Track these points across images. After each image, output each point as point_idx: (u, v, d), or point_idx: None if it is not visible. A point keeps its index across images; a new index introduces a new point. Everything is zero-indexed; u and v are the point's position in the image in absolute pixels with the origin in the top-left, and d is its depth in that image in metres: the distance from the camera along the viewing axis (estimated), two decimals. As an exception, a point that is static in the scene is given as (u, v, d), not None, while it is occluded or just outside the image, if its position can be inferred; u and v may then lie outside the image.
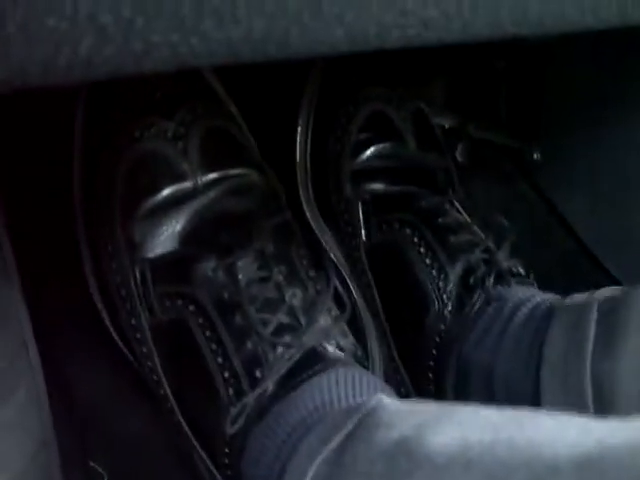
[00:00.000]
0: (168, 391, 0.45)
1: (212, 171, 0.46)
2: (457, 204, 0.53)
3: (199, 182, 0.46)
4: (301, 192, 0.55)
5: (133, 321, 0.46)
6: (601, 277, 0.61)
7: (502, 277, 0.49)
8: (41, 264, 0.52)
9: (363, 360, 0.46)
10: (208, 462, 0.44)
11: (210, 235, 0.45)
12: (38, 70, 0.23)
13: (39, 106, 0.53)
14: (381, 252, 0.52)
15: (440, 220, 0.51)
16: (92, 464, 0.48)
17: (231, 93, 0.51)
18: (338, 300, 0.47)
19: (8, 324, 0.43)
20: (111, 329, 0.48)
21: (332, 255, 0.54)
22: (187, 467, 0.46)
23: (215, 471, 0.44)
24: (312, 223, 0.54)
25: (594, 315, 0.42)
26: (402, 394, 0.52)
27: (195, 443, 0.44)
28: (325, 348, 0.43)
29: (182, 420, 0.45)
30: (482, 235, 0.51)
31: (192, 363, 0.43)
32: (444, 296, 0.49)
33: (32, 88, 0.24)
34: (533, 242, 0.62)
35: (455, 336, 0.48)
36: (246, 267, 0.44)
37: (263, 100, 0.59)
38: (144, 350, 0.45)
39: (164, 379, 0.45)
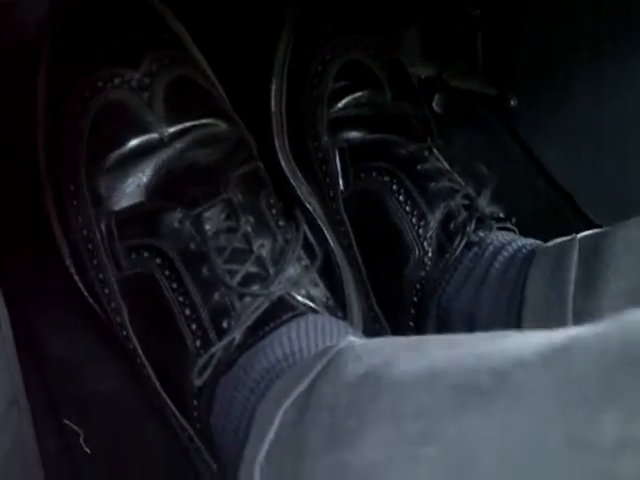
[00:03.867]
0: (137, 346, 0.45)
1: (178, 122, 0.46)
2: (436, 152, 0.52)
3: (165, 133, 0.45)
4: (276, 142, 0.54)
5: (101, 276, 0.45)
6: (581, 223, 0.61)
7: (483, 222, 0.48)
8: (6, 219, 0.50)
9: (336, 310, 0.45)
10: (179, 416, 0.44)
11: (177, 187, 0.44)
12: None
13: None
14: (359, 201, 0.51)
15: (419, 167, 0.50)
16: (66, 422, 0.47)
17: (203, 42, 0.50)
18: (310, 249, 0.46)
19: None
20: (80, 285, 0.47)
21: (308, 205, 0.52)
22: (161, 421, 0.45)
23: (186, 424, 0.43)
24: (287, 173, 0.53)
25: (575, 256, 0.42)
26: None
27: (165, 397, 0.44)
28: (294, 297, 0.42)
29: (152, 374, 0.44)
30: (462, 182, 0.51)
31: (159, 316, 0.43)
32: (424, 243, 0.48)
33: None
34: (512, 189, 0.61)
35: (436, 283, 0.48)
36: (213, 218, 0.43)
37: (237, 48, 0.57)
38: (113, 305, 0.45)
39: (133, 334, 0.45)
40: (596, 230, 0.44)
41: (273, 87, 0.53)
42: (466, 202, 0.49)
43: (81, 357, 0.49)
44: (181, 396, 0.43)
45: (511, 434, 0.20)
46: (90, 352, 0.49)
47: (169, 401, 0.44)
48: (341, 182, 0.51)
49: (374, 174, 0.50)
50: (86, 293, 0.47)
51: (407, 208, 0.49)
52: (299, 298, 0.43)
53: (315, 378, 0.31)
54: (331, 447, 0.26)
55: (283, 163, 0.53)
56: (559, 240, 0.45)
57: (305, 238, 0.46)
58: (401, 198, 0.49)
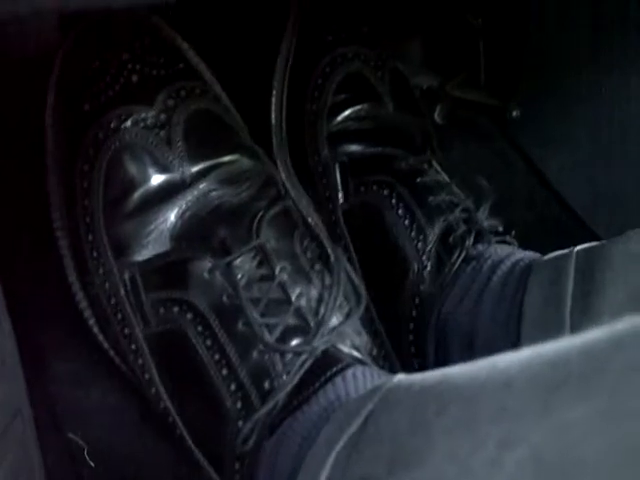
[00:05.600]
0: (169, 404, 0.42)
1: (200, 160, 0.43)
2: (436, 165, 0.53)
3: (187, 173, 0.42)
4: (277, 155, 0.53)
5: (126, 331, 0.43)
6: (582, 235, 0.61)
7: (482, 236, 0.49)
8: (20, 267, 0.49)
9: (379, 359, 0.44)
10: (216, 478, 0.41)
11: (204, 232, 0.42)
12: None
13: (6, 100, 0.50)
14: (359, 214, 0.51)
15: (418, 180, 0.50)
16: (71, 435, 0.47)
17: (202, 57, 0.49)
18: (351, 291, 0.44)
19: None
20: (100, 337, 0.45)
21: (309, 219, 0.52)
22: (165, 438, 0.45)
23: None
24: (288, 186, 0.53)
25: (572, 270, 0.42)
26: (382, 355, 0.51)
27: (201, 458, 0.42)
28: (339, 349, 0.40)
29: (186, 435, 0.42)
30: (462, 195, 0.51)
31: (194, 375, 0.41)
32: (423, 257, 0.48)
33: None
34: (513, 201, 0.62)
35: (434, 297, 0.48)
36: (245, 266, 0.41)
37: (236, 61, 0.57)
38: (140, 362, 0.43)
39: (164, 393, 0.42)
40: (593, 243, 0.44)
41: (273, 99, 0.53)
42: (465, 216, 0.49)
43: (84, 371, 0.49)
44: (220, 459, 0.40)
45: (621, 418, 0.19)
46: (94, 366, 0.48)
47: (205, 463, 0.41)
48: (341, 195, 0.51)
49: (374, 187, 0.50)
50: (107, 346, 0.45)
51: (406, 222, 0.49)
52: (344, 349, 0.40)
53: (368, 415, 0.29)
54: (395, 472, 0.24)
55: (284, 176, 0.52)
56: (556, 253, 0.45)
57: (347, 280, 0.43)
58: (400, 212, 0.49)
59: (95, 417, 0.48)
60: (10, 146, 0.51)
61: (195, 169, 0.43)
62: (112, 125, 0.42)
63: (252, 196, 0.44)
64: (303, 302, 0.41)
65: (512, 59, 0.66)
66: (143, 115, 0.42)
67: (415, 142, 0.53)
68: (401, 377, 0.31)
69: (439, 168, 0.52)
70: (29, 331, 0.49)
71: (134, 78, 0.43)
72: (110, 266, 0.42)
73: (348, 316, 0.42)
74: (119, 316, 0.43)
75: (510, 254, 0.47)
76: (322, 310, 0.41)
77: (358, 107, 0.52)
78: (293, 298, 0.41)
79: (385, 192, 0.50)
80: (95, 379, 0.49)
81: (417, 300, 0.48)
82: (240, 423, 0.39)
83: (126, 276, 0.42)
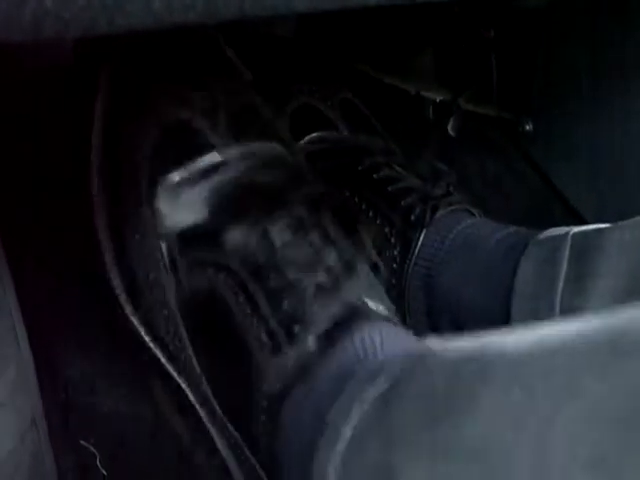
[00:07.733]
0: (197, 370, 0.43)
1: (242, 144, 0.45)
2: (395, 166, 0.54)
3: (229, 155, 0.45)
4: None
5: (159, 296, 0.44)
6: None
7: (438, 208, 0.50)
8: (33, 272, 0.50)
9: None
10: (244, 447, 0.42)
11: (241, 205, 0.44)
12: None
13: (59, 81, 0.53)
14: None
15: (375, 176, 0.52)
16: (83, 443, 0.47)
17: None
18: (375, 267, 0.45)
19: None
20: (128, 309, 0.45)
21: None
22: (179, 449, 0.45)
23: (248, 453, 0.42)
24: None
25: (567, 252, 0.42)
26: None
27: (227, 423, 0.42)
28: (366, 303, 0.41)
29: (213, 401, 0.43)
30: (419, 182, 0.52)
31: (225, 332, 0.42)
32: (392, 239, 0.50)
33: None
34: (527, 215, 0.61)
35: (406, 274, 0.49)
36: (279, 232, 0.43)
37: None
38: (172, 329, 0.44)
39: (194, 357, 0.43)
40: (590, 227, 0.43)
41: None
42: (422, 195, 0.50)
43: (98, 379, 0.49)
44: (246, 416, 0.41)
45: None
46: (107, 375, 0.49)
47: (232, 427, 0.42)
48: None
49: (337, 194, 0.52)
50: (136, 322, 0.45)
51: (371, 214, 0.51)
52: (371, 304, 0.41)
53: (399, 376, 0.29)
54: (438, 424, 0.24)
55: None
56: (552, 233, 0.45)
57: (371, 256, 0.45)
58: (364, 206, 0.52)
59: (108, 426, 0.49)
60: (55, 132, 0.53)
61: (237, 152, 0.45)
62: (163, 104, 0.44)
63: (287, 179, 0.46)
64: (332, 262, 0.42)
65: (524, 72, 0.66)
66: (193, 99, 0.44)
67: (372, 153, 0.55)
68: (432, 339, 0.30)
69: (398, 168, 0.54)
70: (44, 341, 0.49)
71: (187, 66, 0.46)
72: (148, 233, 0.44)
73: (373, 285, 0.43)
74: (152, 281, 0.44)
75: (503, 227, 0.48)
76: (350, 270, 0.42)
77: (314, 134, 0.55)
78: (324, 259, 0.42)
79: (347, 194, 0.52)
80: (108, 388, 0.49)
81: (393, 280, 0.49)
82: (270, 368, 0.39)
83: (164, 244, 0.43)
